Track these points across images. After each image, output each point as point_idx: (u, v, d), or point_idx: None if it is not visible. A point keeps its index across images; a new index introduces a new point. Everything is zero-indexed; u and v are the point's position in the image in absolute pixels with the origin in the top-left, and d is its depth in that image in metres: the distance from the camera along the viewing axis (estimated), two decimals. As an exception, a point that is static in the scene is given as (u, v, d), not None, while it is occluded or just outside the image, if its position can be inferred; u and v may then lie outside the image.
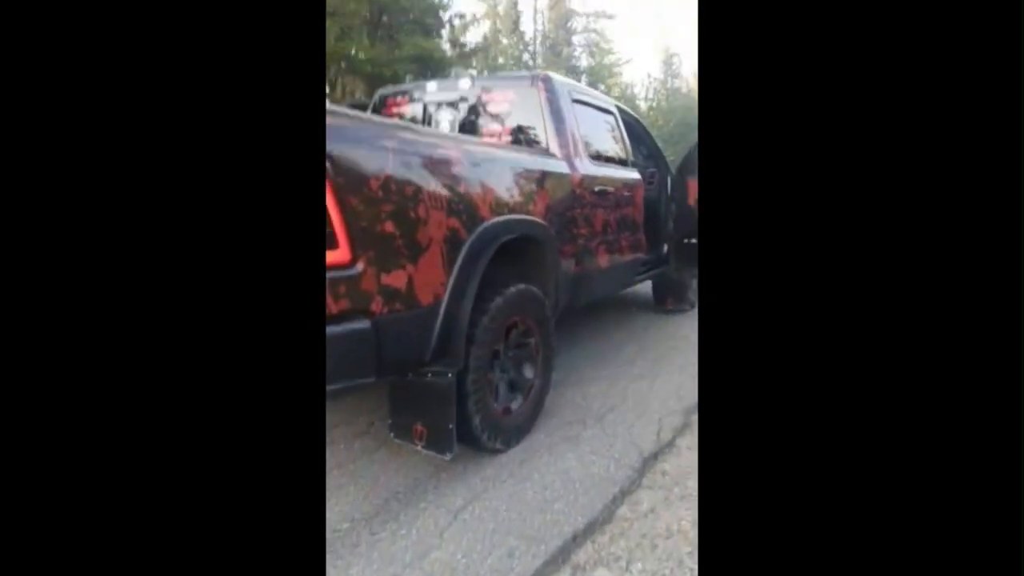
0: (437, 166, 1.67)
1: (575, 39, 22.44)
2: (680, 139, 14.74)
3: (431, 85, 2.99)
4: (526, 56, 19.18)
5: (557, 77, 2.75)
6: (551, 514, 1.63)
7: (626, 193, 3.01)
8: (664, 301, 4.12)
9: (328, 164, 1.29)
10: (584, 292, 2.65)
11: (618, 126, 3.30)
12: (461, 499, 1.70)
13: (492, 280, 1.89)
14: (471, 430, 1.81)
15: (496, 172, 1.97)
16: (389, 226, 1.47)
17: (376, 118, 2.13)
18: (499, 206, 1.92)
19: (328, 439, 2.07)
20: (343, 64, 8.19)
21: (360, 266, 1.40)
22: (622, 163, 3.19)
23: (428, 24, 9.88)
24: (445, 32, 10.99)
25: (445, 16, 10.67)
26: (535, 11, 21.08)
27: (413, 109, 2.97)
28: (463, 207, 1.74)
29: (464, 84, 2.85)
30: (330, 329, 1.30)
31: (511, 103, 2.70)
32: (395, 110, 3.04)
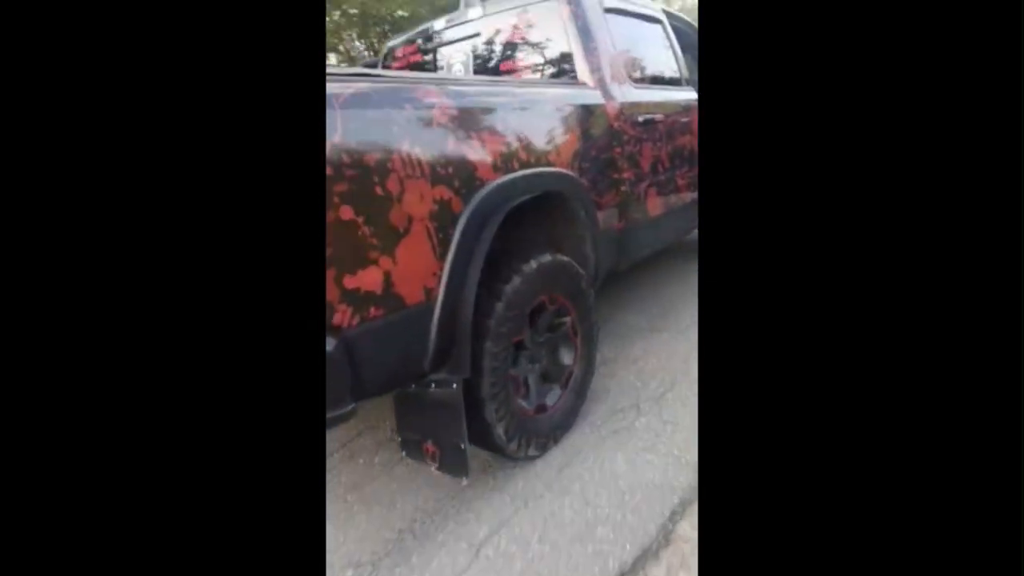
0: (411, 121, 1.27)
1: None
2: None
3: (439, 24, 2.55)
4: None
5: None
6: (593, 544, 1.32)
7: (682, 119, 2.47)
8: None
9: None
10: (632, 250, 2.20)
11: (667, 36, 2.71)
12: (486, 527, 1.41)
13: (505, 256, 1.52)
14: (494, 440, 1.50)
15: (499, 118, 1.53)
16: (346, 212, 1.12)
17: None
18: (506, 161, 1.51)
19: (348, 453, 1.84)
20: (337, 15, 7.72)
21: (311, 269, 1.07)
22: (674, 83, 2.63)
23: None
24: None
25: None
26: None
27: (426, 57, 2.56)
28: (453, 170, 1.34)
29: (475, 14, 2.38)
30: None
31: (531, 26, 2.22)
32: (410, 61, 2.64)
